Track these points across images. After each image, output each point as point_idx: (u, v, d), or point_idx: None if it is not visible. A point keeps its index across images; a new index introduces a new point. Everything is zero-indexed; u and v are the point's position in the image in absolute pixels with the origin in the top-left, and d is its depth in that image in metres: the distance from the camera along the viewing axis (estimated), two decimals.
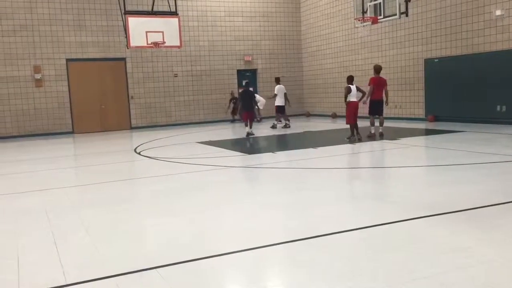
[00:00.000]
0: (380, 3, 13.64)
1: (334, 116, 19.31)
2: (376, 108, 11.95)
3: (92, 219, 5.47)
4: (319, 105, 20.96)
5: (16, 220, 5.55)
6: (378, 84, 11.85)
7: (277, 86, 16.03)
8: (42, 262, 4.09)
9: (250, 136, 13.54)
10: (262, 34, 20.86)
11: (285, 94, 16.00)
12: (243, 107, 13.98)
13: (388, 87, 16.45)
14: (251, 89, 14.52)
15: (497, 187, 6.07)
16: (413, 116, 15.99)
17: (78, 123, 17.98)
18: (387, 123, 14.48)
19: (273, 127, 15.94)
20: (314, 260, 3.79)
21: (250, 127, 13.74)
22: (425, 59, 15.30)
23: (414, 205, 5.37)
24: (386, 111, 16.67)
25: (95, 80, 18.12)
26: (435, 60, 14.92)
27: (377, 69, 12.01)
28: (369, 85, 11.91)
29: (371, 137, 11.71)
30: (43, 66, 17.29)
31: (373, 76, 12.04)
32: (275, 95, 15.98)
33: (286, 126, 15.82)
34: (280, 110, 16.07)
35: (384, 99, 12.01)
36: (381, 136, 11.72)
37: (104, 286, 3.50)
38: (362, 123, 12.04)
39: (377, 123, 12.11)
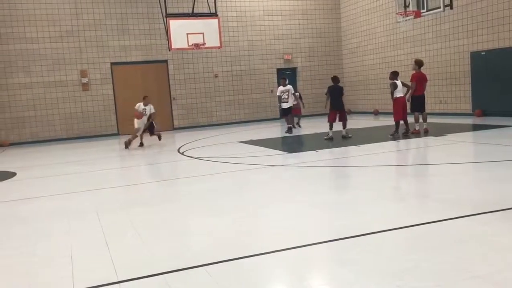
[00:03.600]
0: None
1: (376, 112, 19.00)
2: (419, 104, 11.68)
3: (140, 218, 5.61)
4: (360, 102, 20.66)
5: (68, 219, 5.76)
6: (421, 79, 11.59)
7: (288, 87, 14.53)
8: (95, 260, 4.23)
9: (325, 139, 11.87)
10: (301, 32, 20.76)
11: (294, 94, 14.72)
12: (333, 106, 11.97)
13: (433, 82, 16.22)
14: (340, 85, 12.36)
15: None
16: (459, 111, 15.51)
17: (123, 125, 18.43)
18: (432, 119, 14.11)
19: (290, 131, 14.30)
20: (361, 259, 3.76)
21: (344, 127, 11.95)
22: (471, 52, 14.81)
23: (463, 203, 5.23)
24: (431, 107, 16.35)
25: (138, 82, 18.53)
26: (482, 53, 14.42)
27: (420, 63, 11.74)
28: (411, 81, 11.66)
29: (416, 134, 11.46)
30: (89, 70, 17.85)
31: (414, 71, 11.76)
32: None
33: (288, 131, 14.24)
34: (287, 112, 14.56)
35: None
36: (426, 133, 11.45)
37: (154, 283, 3.59)
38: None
39: (421, 119, 11.83)
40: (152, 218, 5.66)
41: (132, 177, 9.09)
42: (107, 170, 9.86)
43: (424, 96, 11.73)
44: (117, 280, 3.67)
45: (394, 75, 11.50)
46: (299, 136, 13.06)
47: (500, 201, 5.14)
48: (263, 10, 20.05)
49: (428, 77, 12.47)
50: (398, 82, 11.39)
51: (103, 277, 3.75)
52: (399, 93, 11.37)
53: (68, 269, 4.01)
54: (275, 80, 20.38)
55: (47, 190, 8.01)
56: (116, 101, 18.31)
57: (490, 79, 14.19)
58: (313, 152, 10.19)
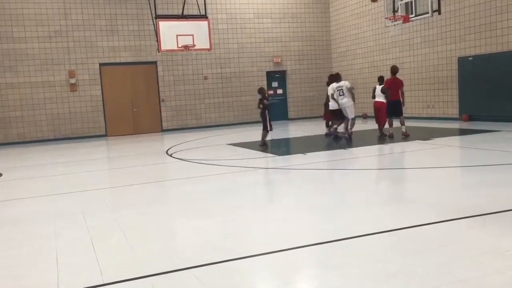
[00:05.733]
0: (411, 1, 13.44)
1: (365, 116, 19.11)
2: (392, 109, 11.92)
3: (127, 220, 5.58)
4: None
5: (54, 221, 5.71)
6: (393, 85, 11.84)
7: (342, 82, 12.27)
8: (80, 263, 4.20)
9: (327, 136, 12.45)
10: (291, 35, 20.82)
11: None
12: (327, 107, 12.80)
13: (420, 87, 16.37)
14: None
15: None
16: (446, 116, 15.66)
17: (111, 126, 18.34)
18: (419, 123, 14.25)
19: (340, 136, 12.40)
20: (347, 263, 3.77)
21: (338, 125, 12.36)
22: (458, 58, 14.98)
23: (449, 207, 5.27)
24: (418, 111, 16.50)
25: (127, 83, 18.46)
26: (469, 59, 14.58)
27: (393, 70, 12.10)
28: (385, 87, 11.96)
29: (391, 137, 11.66)
30: (77, 71, 17.73)
31: (389, 77, 12.14)
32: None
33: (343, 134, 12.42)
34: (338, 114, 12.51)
35: (401, 100, 12.04)
36: (406, 136, 11.59)
37: (140, 285, 3.57)
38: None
39: (398, 124, 12.00)
40: (139, 220, 5.63)
41: (120, 179, 9.04)
42: (94, 172, 9.80)
43: (398, 101, 11.89)
44: (102, 283, 3.64)
45: (379, 80, 11.82)
46: (286, 140, 13.08)
47: (485, 205, 5.19)
48: (253, 13, 20.08)
49: (406, 82, 12.86)
50: (378, 87, 11.67)
51: (88, 280, 3.72)
52: (378, 97, 11.68)
53: (54, 271, 3.97)
54: (265, 82, 20.41)
55: (33, 191, 7.93)
56: (104, 102, 18.20)
57: (477, 84, 14.35)
58: (301, 155, 10.22)
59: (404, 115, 12.06)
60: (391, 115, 11.95)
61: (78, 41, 17.68)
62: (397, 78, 12.07)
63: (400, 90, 11.89)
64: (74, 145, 15.75)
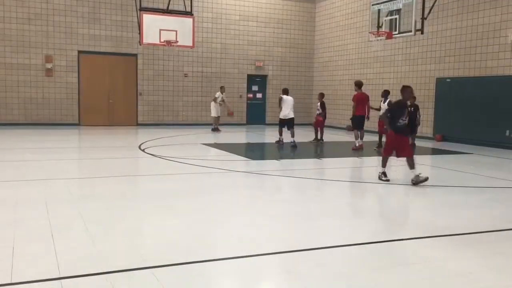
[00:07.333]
0: (396, 18, 13.58)
1: (350, 129, 19.14)
2: (360, 123, 12.27)
3: (91, 213, 5.42)
4: (328, 116, 20.80)
5: (15, 209, 5.51)
6: (361, 100, 12.19)
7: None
8: (37, 253, 4.04)
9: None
10: (275, 40, 20.83)
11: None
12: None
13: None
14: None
15: (502, 213, 5.98)
16: (420, 134, 15.84)
17: (85, 115, 17.97)
18: None
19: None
20: (309, 273, 3.73)
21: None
22: (437, 78, 15.22)
23: (415, 225, 5.30)
24: None
25: (105, 74, 18.13)
26: (447, 80, 14.83)
27: (359, 84, 12.41)
28: (352, 100, 12.38)
29: (358, 149, 11.98)
30: (54, 56, 17.33)
31: (356, 92, 12.39)
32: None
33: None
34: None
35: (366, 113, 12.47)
36: (361, 149, 12.02)
37: (97, 281, 3.45)
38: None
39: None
40: (103, 214, 5.47)
41: (88, 170, 8.83)
42: (62, 161, 9.55)
43: (364, 116, 12.36)
44: (58, 276, 3.50)
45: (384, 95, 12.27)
46: (263, 145, 13.04)
47: (452, 226, 5.23)
48: (239, 15, 20.02)
49: (370, 97, 13.02)
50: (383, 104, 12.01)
51: (43, 272, 3.57)
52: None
53: (8, 260, 3.81)
54: (245, 85, 20.36)
55: None
56: (80, 90, 17.83)
57: (453, 106, 14.59)
58: (275, 161, 10.18)
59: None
60: (357, 128, 12.26)
61: (58, 26, 17.29)
62: (364, 93, 12.46)
63: (367, 104, 12.32)
64: (44, 131, 15.36)
